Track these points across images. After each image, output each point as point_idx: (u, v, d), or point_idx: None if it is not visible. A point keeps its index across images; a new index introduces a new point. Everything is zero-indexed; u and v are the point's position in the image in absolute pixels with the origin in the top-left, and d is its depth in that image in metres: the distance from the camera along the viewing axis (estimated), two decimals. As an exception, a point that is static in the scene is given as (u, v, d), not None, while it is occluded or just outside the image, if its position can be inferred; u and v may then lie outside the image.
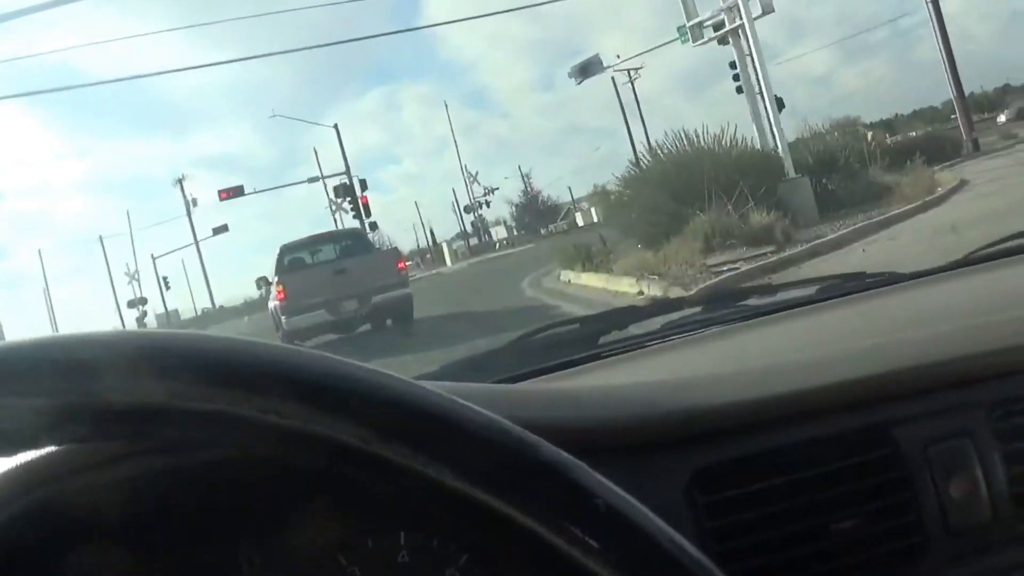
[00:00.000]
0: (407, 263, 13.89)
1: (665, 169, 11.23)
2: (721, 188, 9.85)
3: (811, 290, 0.95)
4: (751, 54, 12.06)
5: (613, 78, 38.90)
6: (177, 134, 67.04)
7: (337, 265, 10.00)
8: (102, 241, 44.75)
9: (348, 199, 30.23)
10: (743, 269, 7.94)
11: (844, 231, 9.03)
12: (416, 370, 1.11)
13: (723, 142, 11.30)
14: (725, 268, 8.03)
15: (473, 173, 42.84)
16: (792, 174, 11.39)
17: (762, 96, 11.95)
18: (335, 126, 31.36)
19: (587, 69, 19.55)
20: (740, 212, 9.61)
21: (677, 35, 13.77)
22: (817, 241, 8.69)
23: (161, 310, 40.89)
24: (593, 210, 45.81)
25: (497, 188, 44.28)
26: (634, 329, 1.04)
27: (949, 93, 22.48)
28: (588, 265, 10.77)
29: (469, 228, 45.05)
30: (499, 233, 45.84)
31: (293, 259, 10.65)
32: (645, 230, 10.68)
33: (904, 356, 0.65)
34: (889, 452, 0.61)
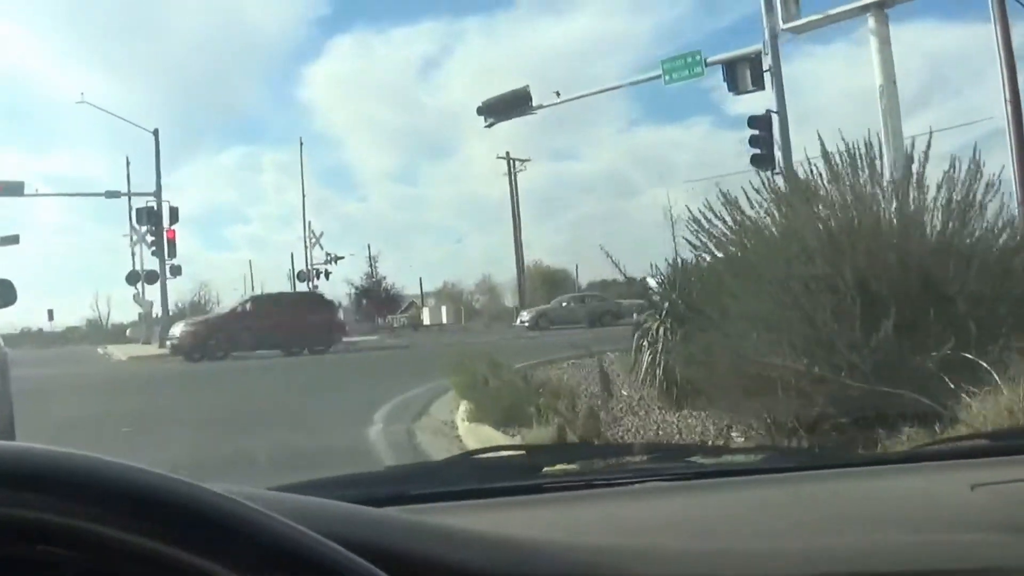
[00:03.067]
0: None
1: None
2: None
3: (758, 457, 1.18)
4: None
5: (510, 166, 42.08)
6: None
7: None
8: None
9: (150, 228, 28.47)
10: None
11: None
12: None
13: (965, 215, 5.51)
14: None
15: (317, 233, 42.22)
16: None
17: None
18: (155, 131, 29.90)
19: (502, 108, 18.91)
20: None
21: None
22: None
23: None
24: (443, 309, 47.78)
25: (342, 257, 43.92)
26: (578, 466, 1.22)
27: None
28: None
29: None
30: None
31: None
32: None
33: (843, 565, 0.79)
34: None
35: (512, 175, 43.17)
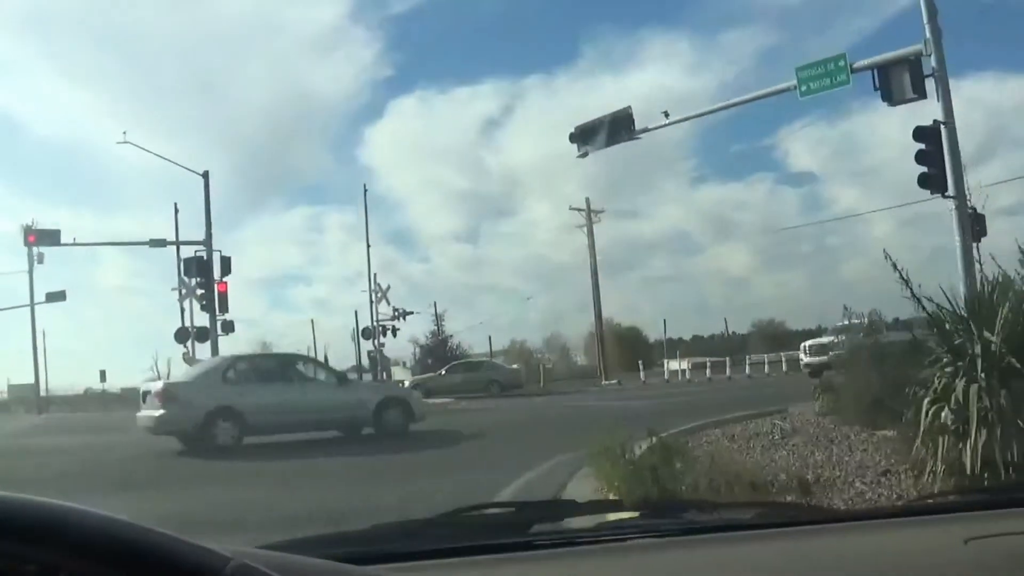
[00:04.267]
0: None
1: None
2: None
3: (749, 514, 1.36)
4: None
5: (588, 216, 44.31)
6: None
7: None
8: None
9: (200, 281, 29.96)
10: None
11: None
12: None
13: None
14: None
15: (384, 287, 44.19)
16: None
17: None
18: (204, 173, 31.76)
19: (599, 134, 18.92)
20: None
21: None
22: None
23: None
24: (515, 367, 50.62)
25: (411, 312, 46.13)
26: (569, 523, 1.42)
27: None
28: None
29: (365, 361, 46.00)
30: (398, 374, 48.01)
31: None
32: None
33: None
34: None
35: (590, 224, 44.97)
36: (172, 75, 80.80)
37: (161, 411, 15.08)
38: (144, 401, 16.18)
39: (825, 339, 24.75)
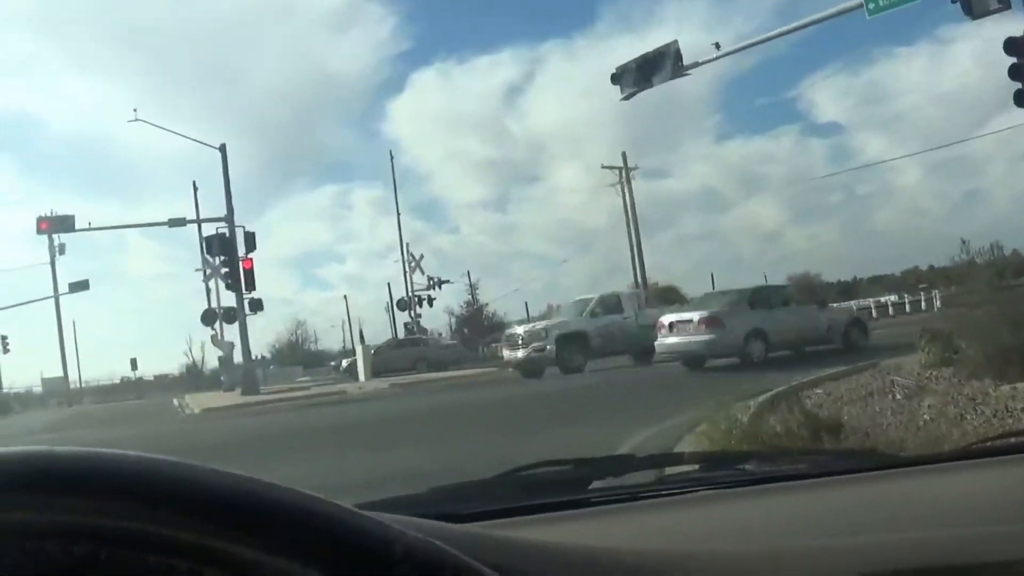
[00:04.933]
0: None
1: None
2: None
3: (806, 463, 1.44)
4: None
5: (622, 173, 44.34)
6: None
7: None
8: None
9: (223, 259, 30.23)
10: None
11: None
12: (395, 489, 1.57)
13: None
14: None
15: (416, 256, 44.68)
16: None
17: None
18: (221, 147, 32.01)
19: (643, 73, 19.03)
20: None
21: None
22: None
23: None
24: None
25: (447, 280, 46.69)
26: (627, 479, 1.53)
27: None
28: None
29: (402, 332, 46.71)
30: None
31: None
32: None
33: (908, 557, 0.96)
34: None
35: (627, 178, 44.90)
36: (189, 62, 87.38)
37: (709, 336, 19.10)
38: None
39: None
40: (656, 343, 20.73)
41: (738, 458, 1.64)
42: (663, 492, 1.47)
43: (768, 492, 1.44)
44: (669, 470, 1.55)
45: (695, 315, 19.89)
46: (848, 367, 13.07)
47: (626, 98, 19.87)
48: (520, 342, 24.62)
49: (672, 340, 20.01)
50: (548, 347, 23.55)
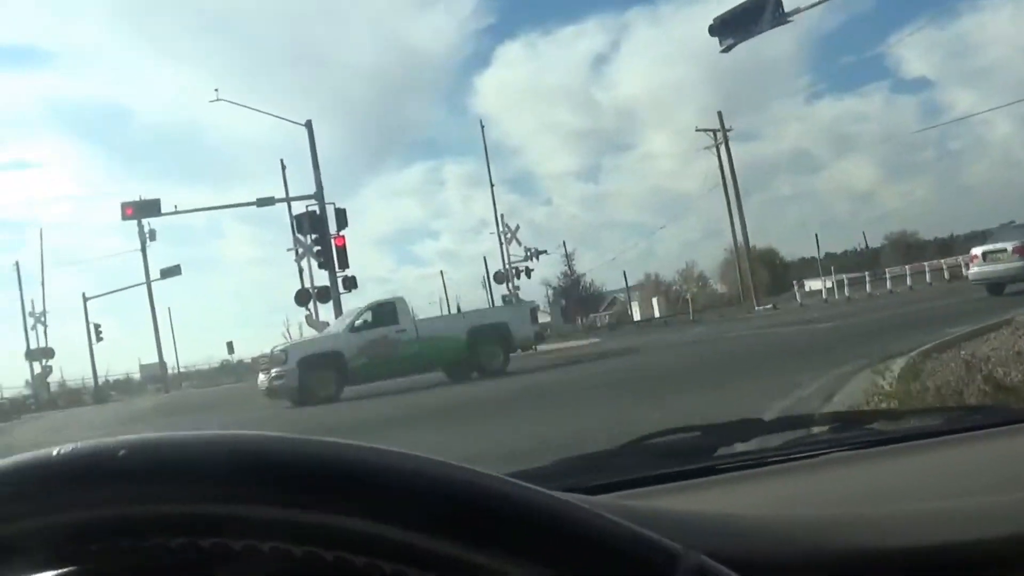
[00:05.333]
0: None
1: None
2: None
3: (939, 420, 1.47)
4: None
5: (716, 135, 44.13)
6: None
7: None
8: (18, 268, 49.46)
9: (315, 237, 30.87)
10: None
11: None
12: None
13: None
14: None
15: (512, 227, 44.95)
16: None
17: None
18: (307, 123, 32.55)
19: (743, 23, 18.73)
20: None
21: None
22: None
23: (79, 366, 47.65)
24: (655, 301, 51.89)
25: (544, 251, 46.94)
26: (755, 443, 1.58)
27: None
28: None
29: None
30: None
31: None
32: None
33: None
34: None
35: (725, 138, 44.53)
36: (272, 45, 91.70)
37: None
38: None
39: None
40: (969, 273, 24.45)
41: (867, 418, 1.67)
42: (791, 456, 1.49)
43: (899, 452, 1.46)
44: (797, 433, 1.59)
45: (1008, 245, 22.47)
46: (978, 326, 12.70)
47: (725, 50, 19.63)
48: (266, 366, 21.09)
49: (985, 268, 23.07)
50: (289, 373, 19.91)
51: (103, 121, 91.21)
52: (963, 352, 10.57)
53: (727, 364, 15.51)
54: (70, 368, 64.40)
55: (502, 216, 45.47)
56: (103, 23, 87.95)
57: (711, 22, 19.57)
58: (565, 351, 28.46)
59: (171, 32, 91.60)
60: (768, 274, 52.91)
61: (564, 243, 59.97)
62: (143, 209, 34.80)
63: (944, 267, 44.60)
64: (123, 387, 55.21)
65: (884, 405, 6.88)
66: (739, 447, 1.60)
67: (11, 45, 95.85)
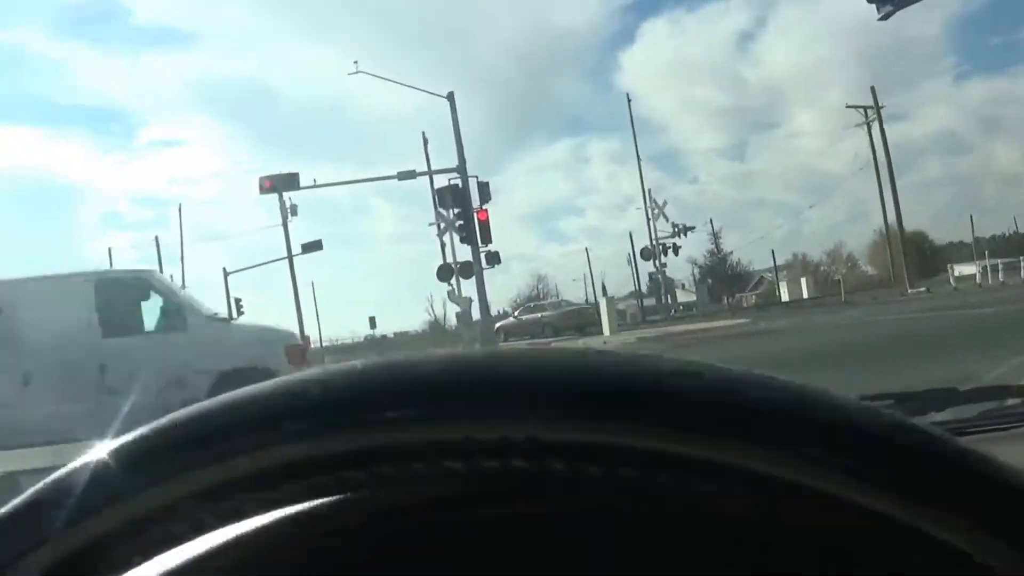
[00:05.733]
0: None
1: None
2: None
3: None
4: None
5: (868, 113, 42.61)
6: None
7: None
8: (157, 242, 52.41)
9: (457, 211, 31.46)
10: None
11: None
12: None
13: None
14: None
15: (660, 203, 44.73)
16: None
17: None
18: (449, 95, 32.86)
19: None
20: None
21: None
22: None
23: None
24: (804, 282, 51.30)
25: (692, 227, 46.67)
26: (949, 413, 1.66)
27: None
28: None
29: (646, 285, 47.23)
30: (681, 297, 49.81)
31: None
32: None
33: None
34: None
35: (879, 116, 43.19)
36: (419, 25, 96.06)
37: None
38: None
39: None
40: None
41: (1065, 390, 1.73)
42: (985, 427, 1.53)
43: None
44: (991, 404, 1.66)
45: None
46: None
47: (883, 17, 19.37)
48: None
49: None
50: None
51: (246, 100, 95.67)
52: None
53: (896, 349, 15.16)
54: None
55: (649, 191, 45.30)
56: (245, 3, 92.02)
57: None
58: (708, 331, 28.14)
59: (312, 9, 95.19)
60: (917, 257, 51.65)
61: (711, 220, 59.49)
62: (282, 183, 35.60)
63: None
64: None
65: None
66: (931, 416, 1.65)
67: (157, 27, 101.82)
